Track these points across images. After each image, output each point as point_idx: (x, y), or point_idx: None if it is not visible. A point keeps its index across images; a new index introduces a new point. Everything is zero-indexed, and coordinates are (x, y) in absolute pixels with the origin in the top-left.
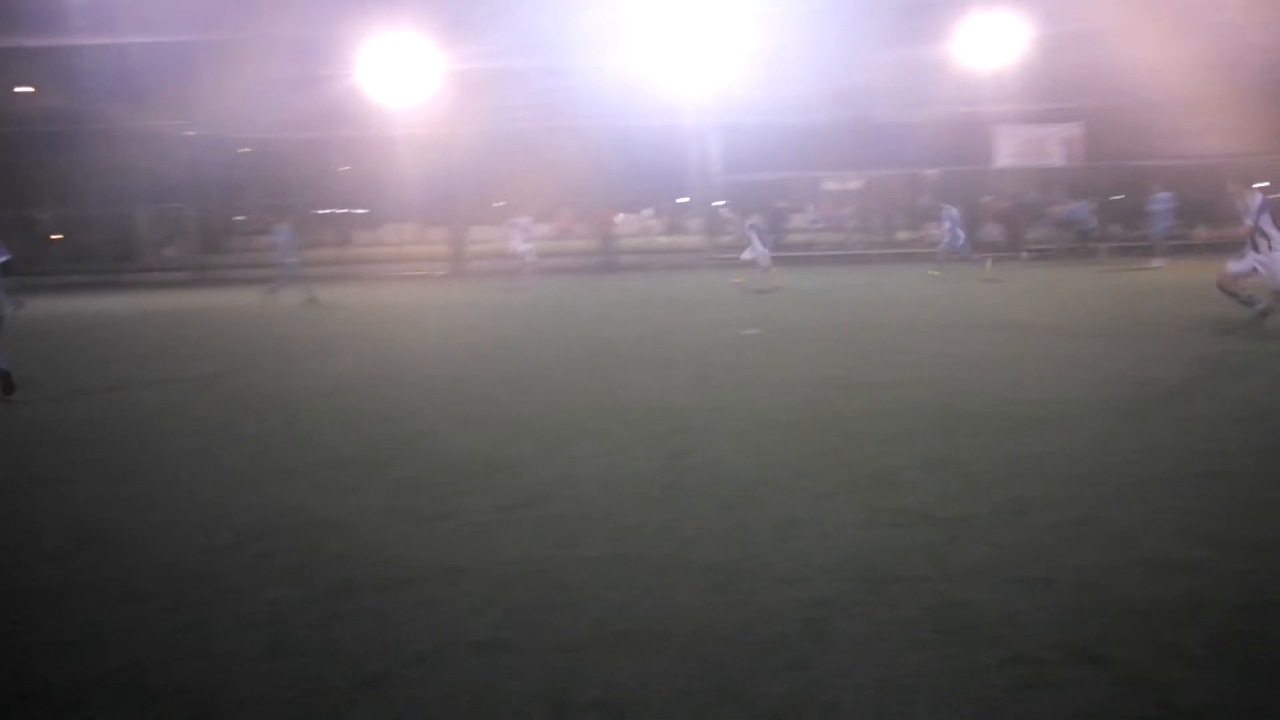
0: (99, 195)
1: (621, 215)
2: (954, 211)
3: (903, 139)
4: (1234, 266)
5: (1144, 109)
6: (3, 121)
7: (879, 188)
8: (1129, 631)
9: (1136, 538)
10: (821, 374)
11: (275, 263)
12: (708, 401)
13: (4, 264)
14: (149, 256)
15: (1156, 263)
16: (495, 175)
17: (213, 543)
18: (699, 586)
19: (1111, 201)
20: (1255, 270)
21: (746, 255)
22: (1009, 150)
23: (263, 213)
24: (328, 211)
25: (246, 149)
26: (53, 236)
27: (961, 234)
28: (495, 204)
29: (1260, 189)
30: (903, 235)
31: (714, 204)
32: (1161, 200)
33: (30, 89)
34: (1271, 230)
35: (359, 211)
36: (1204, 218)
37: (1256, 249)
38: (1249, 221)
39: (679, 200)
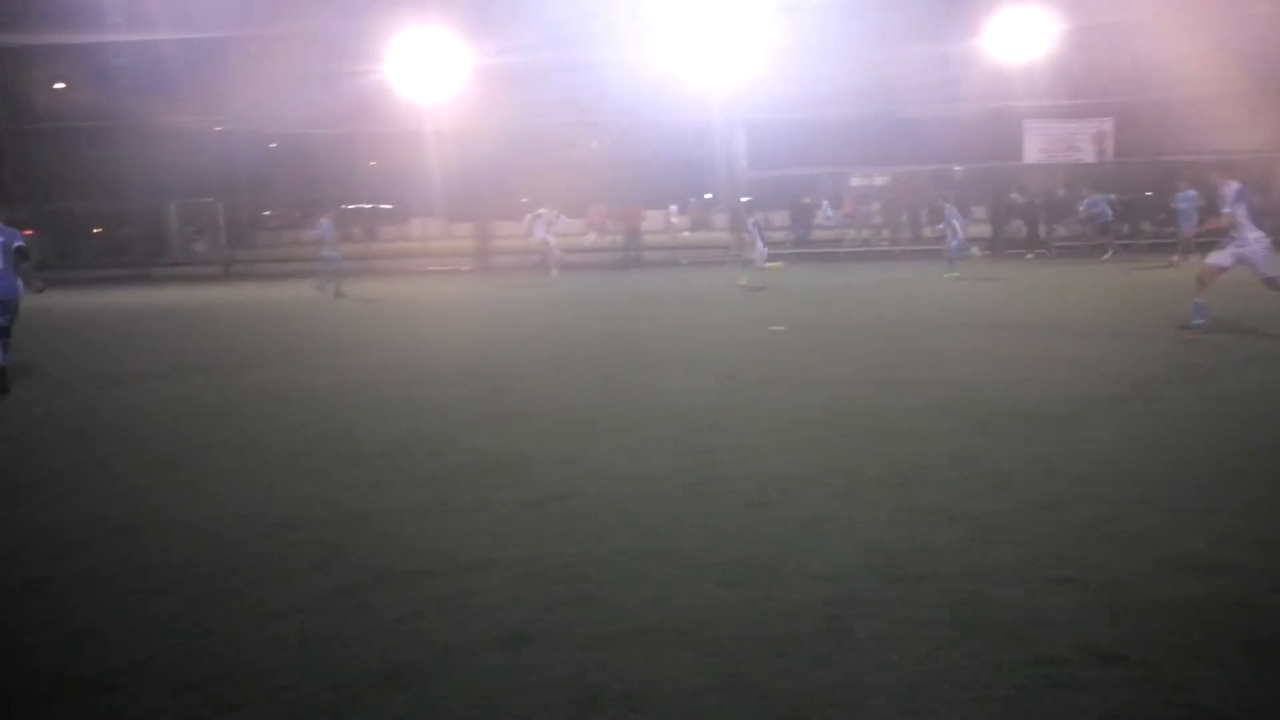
0: (131, 190)
1: (646, 211)
2: (954, 210)
3: (930, 134)
4: (1215, 259)
5: (1177, 104)
6: (38, 117)
7: (906, 184)
8: (1156, 632)
9: (1163, 537)
10: (847, 371)
11: (318, 256)
12: (733, 398)
13: (19, 249)
14: (179, 251)
15: (1174, 258)
16: (520, 171)
17: (244, 534)
18: (724, 582)
19: (1143, 198)
20: (1237, 262)
21: (758, 258)
22: (1039, 146)
23: (297, 207)
24: (355, 206)
25: (275, 144)
26: (94, 231)
27: (957, 236)
28: (521, 199)
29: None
30: (929, 232)
31: (740, 200)
32: (1188, 198)
33: (63, 85)
34: (1246, 221)
35: (385, 207)
36: None
37: (1234, 240)
38: (1227, 210)
39: (705, 196)
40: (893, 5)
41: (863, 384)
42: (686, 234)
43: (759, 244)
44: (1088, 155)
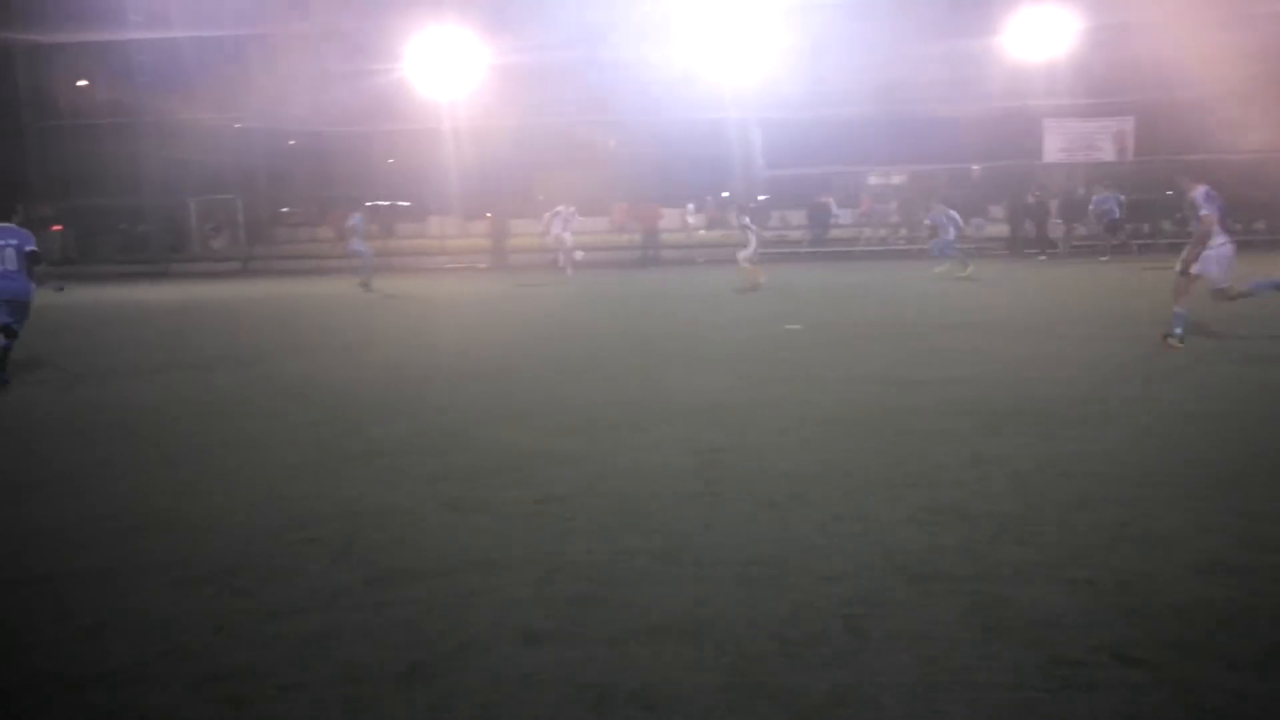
0: (151, 186)
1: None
2: (940, 209)
3: (949, 133)
4: (1194, 269)
5: (1198, 103)
6: (61, 114)
7: (923, 183)
8: (1174, 635)
9: (1181, 540)
10: (863, 370)
11: (349, 250)
12: (748, 397)
13: (31, 254)
14: (198, 247)
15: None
16: (537, 169)
17: (261, 529)
18: (737, 582)
19: (1163, 197)
20: (1205, 267)
21: (746, 255)
22: (1058, 145)
23: (315, 204)
24: (373, 204)
25: (293, 141)
26: (121, 226)
27: (948, 235)
28: (537, 197)
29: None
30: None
31: (742, 197)
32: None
33: (86, 83)
34: (1215, 225)
35: (403, 204)
36: (1261, 213)
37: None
38: (1204, 213)
39: (722, 195)
40: (911, 3)
41: (876, 383)
42: (702, 233)
43: (752, 243)
44: (1108, 154)
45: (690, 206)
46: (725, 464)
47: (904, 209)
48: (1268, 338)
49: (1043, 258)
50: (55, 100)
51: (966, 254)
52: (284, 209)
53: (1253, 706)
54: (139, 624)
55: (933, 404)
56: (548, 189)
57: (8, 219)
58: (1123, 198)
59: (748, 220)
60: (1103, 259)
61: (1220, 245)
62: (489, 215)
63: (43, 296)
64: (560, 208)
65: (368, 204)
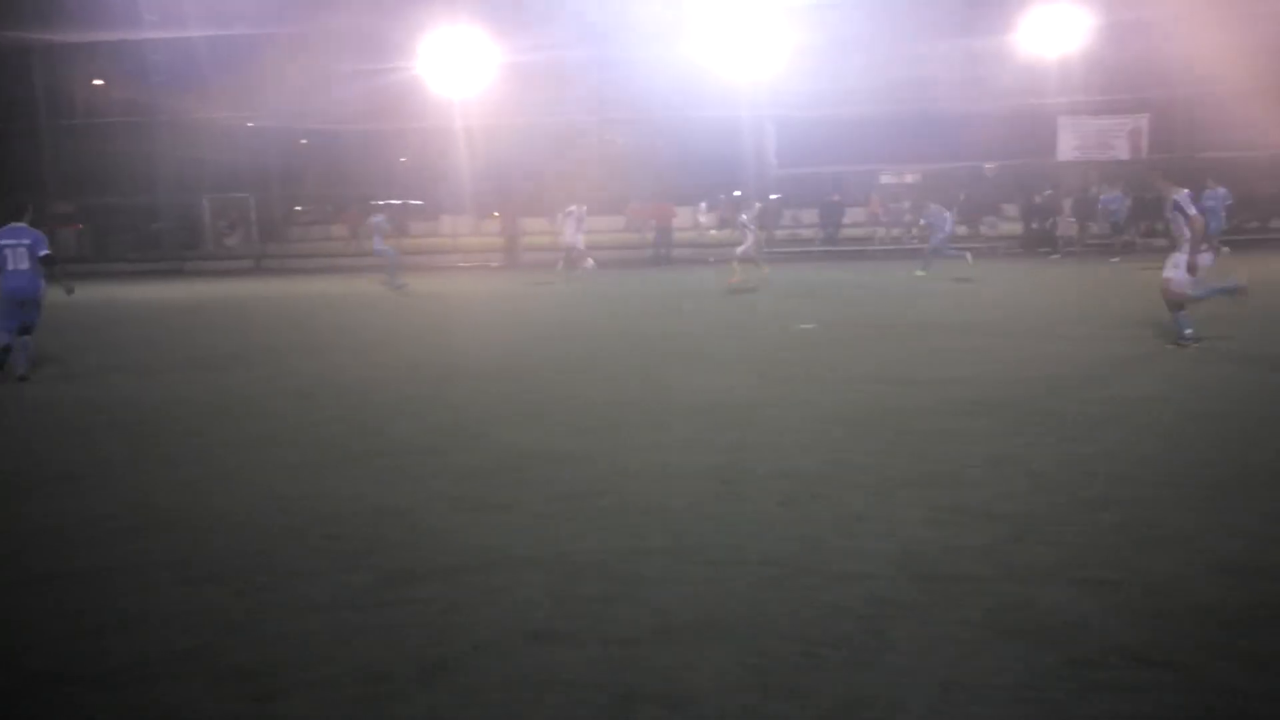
0: (165, 185)
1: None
2: (936, 209)
3: (962, 131)
4: (1167, 273)
5: (1214, 100)
6: (77, 113)
7: (937, 181)
8: (1199, 637)
9: (1206, 541)
10: (880, 369)
11: (376, 251)
12: (765, 396)
13: (45, 257)
14: (211, 245)
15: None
16: (549, 168)
17: (280, 528)
18: (756, 582)
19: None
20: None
21: (742, 251)
22: (1072, 143)
23: (328, 202)
24: (385, 203)
25: (306, 140)
26: (134, 225)
27: (940, 235)
28: (549, 196)
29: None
30: (960, 230)
31: (770, 197)
32: (1216, 196)
33: (101, 82)
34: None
35: (415, 203)
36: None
37: (1179, 249)
38: (1194, 213)
39: (734, 194)
40: (924, 1)
41: (892, 383)
42: (714, 232)
43: (748, 241)
44: (1122, 152)
45: (702, 205)
46: (742, 463)
47: (917, 208)
48: (1272, 339)
49: (1056, 256)
50: (71, 99)
51: (959, 254)
52: (297, 207)
53: (1278, 709)
54: (169, 619)
55: (949, 403)
56: (559, 188)
57: (18, 218)
58: (1128, 199)
59: (745, 219)
60: (1114, 260)
61: (1200, 253)
62: (494, 214)
63: (54, 295)
64: (573, 208)
65: (380, 203)
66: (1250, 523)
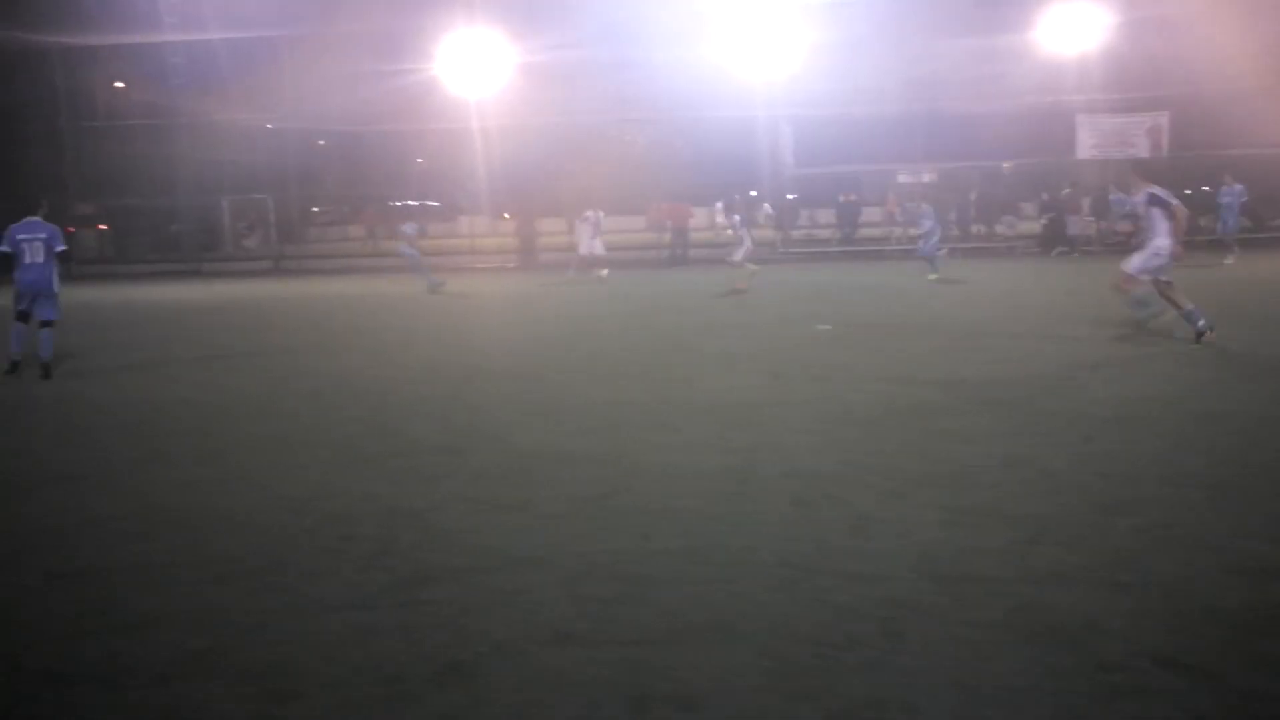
0: (185, 186)
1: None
2: (929, 209)
3: (980, 130)
4: (1160, 275)
5: (1235, 96)
6: (98, 115)
7: (954, 180)
8: (1220, 640)
9: (1224, 542)
10: (895, 370)
11: (405, 254)
12: (778, 396)
13: (61, 253)
14: (230, 246)
15: (1228, 260)
16: (567, 168)
17: (296, 528)
18: (773, 582)
19: (1200, 193)
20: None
21: (738, 256)
22: (1091, 141)
23: (346, 203)
24: (403, 203)
25: (324, 141)
26: (154, 226)
27: (933, 237)
28: (565, 198)
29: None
30: (977, 229)
31: (786, 197)
32: (1233, 192)
33: (122, 84)
34: (1158, 225)
35: (432, 204)
36: None
37: (1145, 243)
38: (1175, 203)
39: (750, 194)
40: None
41: (907, 384)
42: (730, 232)
43: (745, 242)
44: (1142, 150)
45: (718, 205)
46: (757, 464)
47: (935, 207)
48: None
49: (1076, 255)
50: (92, 101)
51: (941, 257)
52: (315, 208)
53: None
54: (187, 617)
55: (964, 404)
56: (576, 189)
57: (34, 212)
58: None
59: (738, 219)
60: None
61: (1163, 245)
62: (506, 216)
63: (74, 294)
64: (589, 213)
65: (398, 203)
66: (1268, 524)
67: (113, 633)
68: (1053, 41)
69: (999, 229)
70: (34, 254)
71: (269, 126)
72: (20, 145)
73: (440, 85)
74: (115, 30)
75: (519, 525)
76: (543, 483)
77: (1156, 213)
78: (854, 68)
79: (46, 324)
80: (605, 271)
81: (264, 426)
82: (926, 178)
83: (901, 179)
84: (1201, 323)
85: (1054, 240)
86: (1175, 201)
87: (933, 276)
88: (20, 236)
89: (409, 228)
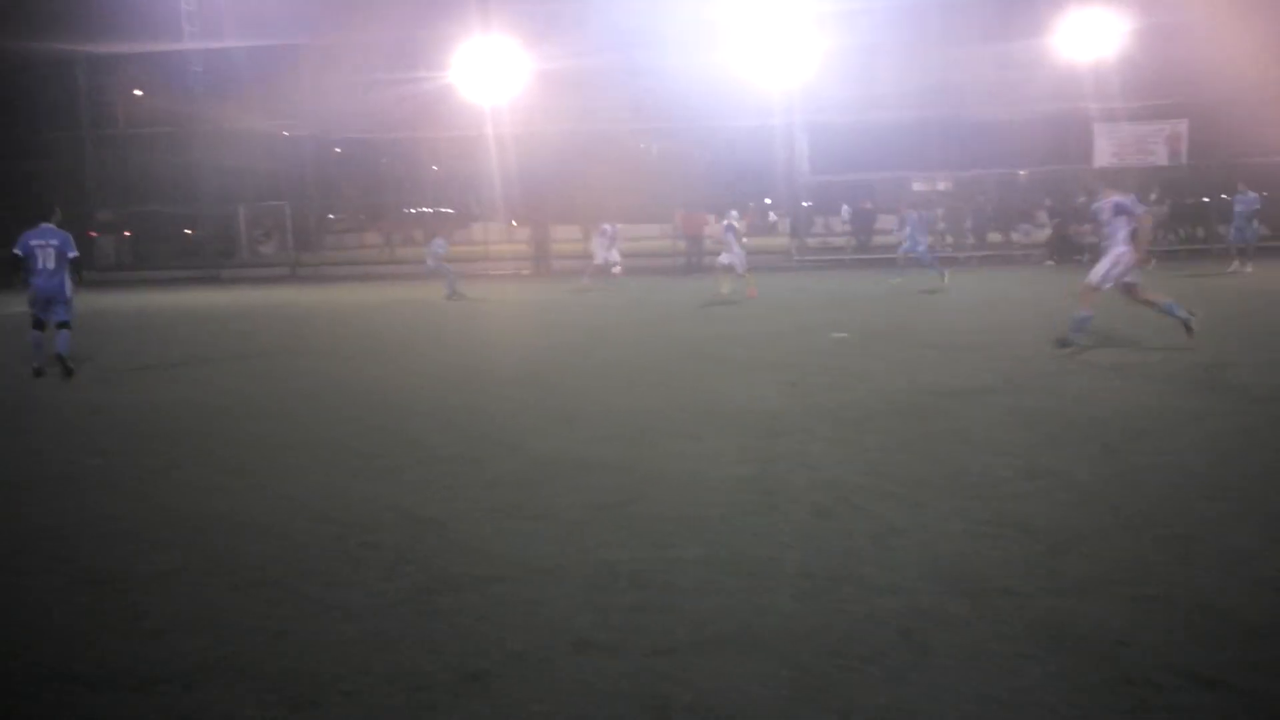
0: (203, 193)
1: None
2: (914, 215)
3: (996, 138)
4: (1128, 279)
5: (1254, 104)
6: (118, 123)
7: (971, 188)
8: (1252, 656)
9: (1256, 555)
10: (915, 379)
11: (436, 268)
12: (799, 404)
13: (73, 260)
14: (247, 253)
15: (1247, 268)
16: (581, 175)
17: (319, 533)
18: (792, 593)
19: (1218, 200)
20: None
21: (724, 259)
22: (1109, 149)
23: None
24: (418, 210)
25: (340, 149)
26: (186, 231)
27: (922, 240)
28: (581, 205)
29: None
30: (994, 237)
31: (802, 204)
32: (1246, 200)
33: (142, 93)
34: (1119, 233)
35: (447, 211)
36: None
37: (1107, 250)
38: (1143, 211)
39: (765, 201)
40: (958, 6)
41: (928, 393)
42: (745, 240)
43: (735, 250)
44: (1160, 157)
45: (733, 214)
46: (778, 472)
47: (950, 215)
48: None
49: (1081, 259)
50: (113, 109)
51: (905, 263)
52: (331, 215)
53: None
54: (208, 625)
55: (985, 414)
56: (590, 196)
57: (47, 218)
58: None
59: (729, 222)
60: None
61: (1123, 253)
62: (514, 223)
63: (91, 301)
64: (606, 226)
65: (413, 210)
66: None
67: (136, 638)
68: (1070, 48)
69: (1015, 236)
70: (46, 260)
71: (286, 134)
72: (42, 152)
73: (456, 93)
74: (136, 39)
75: (538, 533)
76: (562, 490)
77: (1120, 220)
78: (870, 75)
79: (62, 325)
80: (618, 268)
81: (284, 433)
82: (941, 185)
83: (917, 186)
84: (1183, 313)
85: (1063, 249)
86: (1142, 209)
87: (895, 281)
88: (34, 242)
89: (440, 247)
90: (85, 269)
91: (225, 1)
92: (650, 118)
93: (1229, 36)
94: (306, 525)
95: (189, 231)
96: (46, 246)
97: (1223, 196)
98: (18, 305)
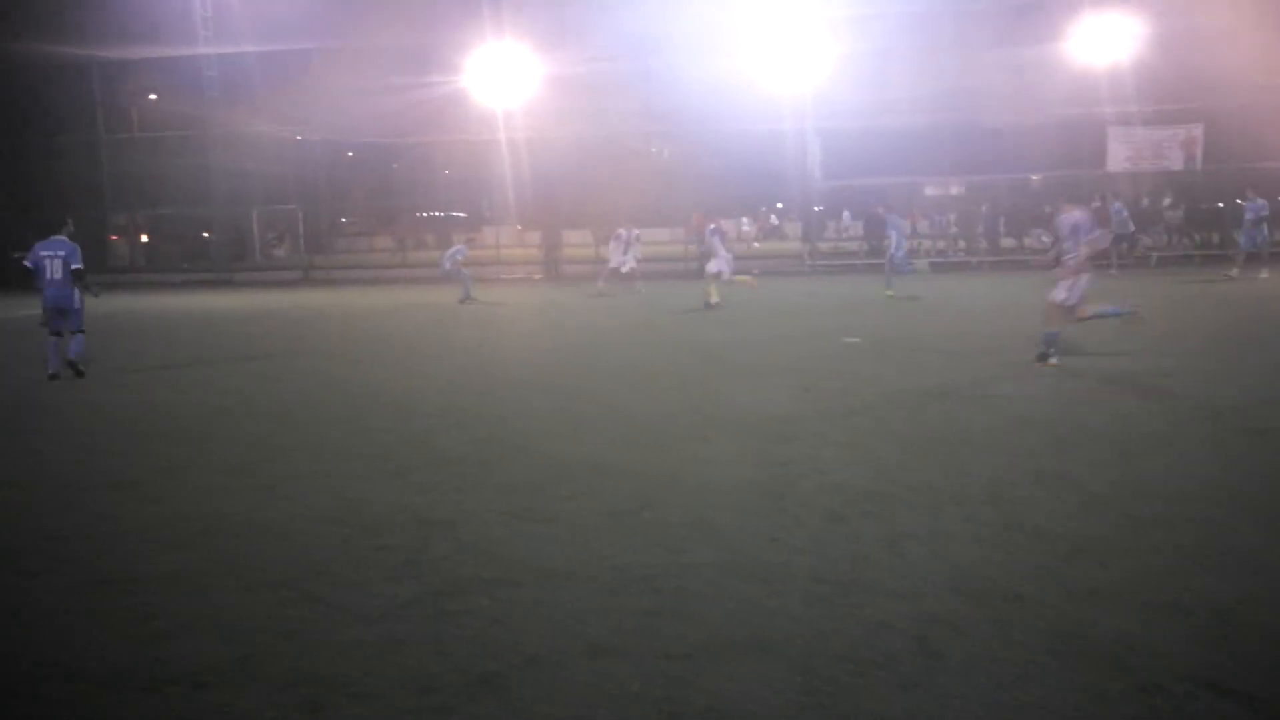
0: (216, 197)
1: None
2: (901, 222)
3: (1010, 142)
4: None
5: (1270, 109)
6: (132, 127)
7: (983, 193)
8: (1269, 663)
9: (1271, 562)
10: (925, 384)
11: (453, 273)
12: (812, 410)
13: (76, 271)
14: (260, 256)
15: (1262, 273)
16: (593, 180)
17: (328, 538)
18: (805, 598)
19: (1233, 205)
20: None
21: (711, 267)
22: (1123, 154)
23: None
24: (429, 215)
25: (352, 153)
26: (204, 234)
27: (901, 244)
28: (593, 209)
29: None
30: (1007, 243)
31: (814, 209)
32: (1255, 207)
33: (156, 97)
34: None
35: (458, 215)
36: None
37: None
38: (1100, 231)
39: (777, 206)
40: (971, 11)
41: (939, 398)
42: (756, 244)
43: (720, 254)
44: (1175, 163)
45: (744, 219)
46: (790, 477)
47: (963, 221)
48: None
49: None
50: (127, 113)
51: (893, 272)
52: (343, 219)
53: None
54: (221, 626)
55: (997, 419)
56: (602, 201)
57: (58, 231)
58: (1124, 211)
59: (714, 227)
60: (1111, 273)
61: (1083, 273)
62: (519, 227)
63: (105, 304)
64: (621, 231)
65: (424, 214)
66: None
67: (145, 639)
68: (1084, 53)
69: (1028, 242)
70: (54, 270)
71: (299, 138)
72: (58, 156)
73: (468, 97)
74: (150, 44)
75: (550, 537)
76: (574, 494)
77: (1078, 238)
78: (883, 79)
79: (77, 331)
80: (641, 286)
81: (296, 436)
82: (954, 190)
83: (929, 192)
84: (1126, 307)
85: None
86: (1098, 233)
87: (890, 292)
88: (43, 253)
89: (460, 252)
90: (100, 271)
91: (240, 6)
92: (662, 122)
93: (1244, 41)
94: (316, 527)
95: (206, 235)
96: (54, 257)
97: (1237, 201)
98: (23, 309)
